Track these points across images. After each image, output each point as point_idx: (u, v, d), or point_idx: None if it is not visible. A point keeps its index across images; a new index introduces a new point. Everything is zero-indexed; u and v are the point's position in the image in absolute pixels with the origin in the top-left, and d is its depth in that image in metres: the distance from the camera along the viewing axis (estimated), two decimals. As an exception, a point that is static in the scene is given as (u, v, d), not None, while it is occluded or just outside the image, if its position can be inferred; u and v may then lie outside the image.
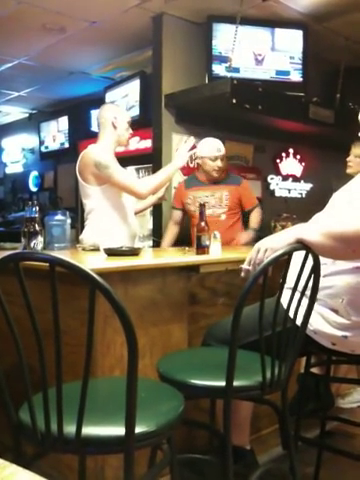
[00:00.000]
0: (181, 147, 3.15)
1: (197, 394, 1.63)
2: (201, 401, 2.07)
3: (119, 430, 1.15)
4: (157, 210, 4.33)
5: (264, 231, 3.73)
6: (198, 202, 3.57)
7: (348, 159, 3.53)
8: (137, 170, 5.82)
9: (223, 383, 1.46)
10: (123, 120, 2.99)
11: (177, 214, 3.87)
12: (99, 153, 2.87)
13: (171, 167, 3.06)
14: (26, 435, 1.23)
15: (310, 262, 1.52)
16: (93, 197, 2.92)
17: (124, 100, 5.64)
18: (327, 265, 1.67)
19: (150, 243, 4.64)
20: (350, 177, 1.85)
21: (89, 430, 1.15)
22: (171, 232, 3.88)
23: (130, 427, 1.14)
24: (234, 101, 3.95)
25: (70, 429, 1.14)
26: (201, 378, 1.54)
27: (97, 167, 2.81)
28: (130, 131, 3.04)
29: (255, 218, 3.77)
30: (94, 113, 6.72)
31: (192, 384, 1.51)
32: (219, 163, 3.62)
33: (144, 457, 1.56)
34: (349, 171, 3.61)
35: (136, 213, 3.21)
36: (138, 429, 1.16)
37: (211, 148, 3.62)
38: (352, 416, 2.57)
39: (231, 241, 3.57)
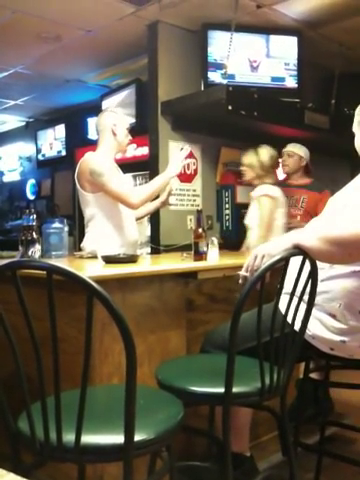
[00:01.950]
0: (176, 155, 3.15)
1: (196, 401, 1.62)
2: (200, 408, 2.06)
3: (118, 438, 1.14)
4: (155, 217, 4.33)
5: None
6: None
7: (241, 168, 3.80)
8: (134, 177, 5.83)
9: (222, 390, 1.46)
10: (122, 127, 3.00)
11: None
12: (95, 161, 2.88)
13: (165, 176, 3.05)
14: (25, 444, 1.22)
15: (307, 267, 1.53)
16: (91, 204, 2.92)
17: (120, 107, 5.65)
18: (324, 269, 1.67)
19: (148, 250, 4.64)
20: (345, 182, 1.86)
21: (88, 438, 1.15)
22: None
23: (129, 435, 1.14)
24: (230, 108, 3.96)
25: (69, 438, 1.14)
26: (200, 385, 1.54)
27: (91, 175, 2.82)
28: (129, 137, 3.05)
29: None
30: (91, 121, 6.73)
31: (191, 391, 1.51)
32: (284, 158, 3.97)
33: (143, 465, 1.56)
34: (244, 179, 3.87)
35: (138, 219, 3.21)
36: (137, 437, 1.16)
37: (288, 145, 3.98)
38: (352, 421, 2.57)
39: None
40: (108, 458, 1.20)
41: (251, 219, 3.65)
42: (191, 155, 4.63)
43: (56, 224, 2.49)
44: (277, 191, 3.59)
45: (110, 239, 2.87)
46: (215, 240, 2.39)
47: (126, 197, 2.84)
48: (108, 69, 5.56)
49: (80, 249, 2.98)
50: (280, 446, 1.70)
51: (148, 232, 4.73)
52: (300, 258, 1.52)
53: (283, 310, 1.55)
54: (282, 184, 3.96)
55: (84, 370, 1.13)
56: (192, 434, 2.14)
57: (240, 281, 1.67)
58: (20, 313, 1.14)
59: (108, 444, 1.16)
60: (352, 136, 1.89)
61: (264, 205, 3.52)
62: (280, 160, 3.97)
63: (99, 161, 2.88)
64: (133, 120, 5.24)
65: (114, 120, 2.99)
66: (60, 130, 7.31)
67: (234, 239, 4.38)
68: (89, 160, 2.90)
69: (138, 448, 1.17)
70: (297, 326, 1.58)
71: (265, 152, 3.67)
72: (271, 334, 1.50)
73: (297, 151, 3.95)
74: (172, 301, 2.10)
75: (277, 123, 4.44)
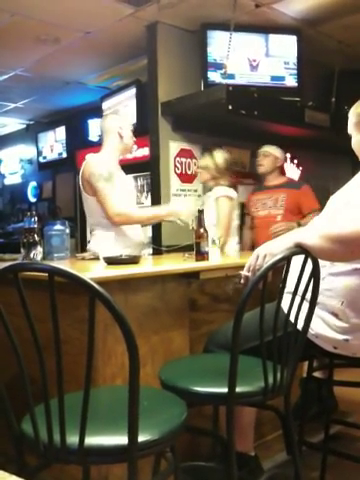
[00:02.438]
0: (183, 202, 3.05)
1: (200, 401, 1.62)
2: (204, 408, 2.06)
3: (122, 439, 1.14)
4: (156, 218, 4.33)
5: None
6: (259, 204, 3.89)
7: (197, 170, 3.94)
8: (135, 178, 5.83)
9: (225, 389, 1.46)
10: (128, 129, 3.03)
11: (248, 219, 4.09)
12: (96, 164, 2.88)
13: (156, 211, 3.04)
14: (29, 446, 1.22)
15: (309, 266, 1.52)
16: (93, 207, 2.92)
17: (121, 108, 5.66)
18: (326, 267, 1.67)
19: (150, 251, 4.63)
20: (346, 180, 1.85)
21: (92, 440, 1.15)
22: (247, 237, 4.05)
23: (133, 436, 1.14)
24: (230, 107, 3.97)
25: (73, 439, 1.14)
26: (203, 385, 1.54)
27: (90, 177, 2.83)
28: (134, 139, 3.08)
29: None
30: (91, 122, 6.74)
31: (194, 391, 1.51)
32: (259, 158, 3.91)
33: (148, 465, 1.56)
34: (200, 180, 4.01)
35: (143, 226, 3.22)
36: (141, 438, 1.16)
37: (264, 146, 3.92)
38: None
39: None
40: (112, 459, 1.20)
41: (208, 220, 3.63)
42: (192, 156, 4.65)
43: (58, 226, 2.49)
44: (234, 193, 3.73)
45: (116, 241, 2.85)
46: (217, 240, 2.39)
47: (108, 209, 2.81)
48: (108, 70, 5.57)
49: (83, 251, 2.98)
50: (285, 445, 1.70)
51: (150, 233, 4.73)
52: (302, 257, 1.52)
53: (285, 309, 1.55)
54: (262, 187, 4.01)
55: (87, 371, 1.13)
56: (196, 434, 2.14)
57: (242, 281, 1.67)
58: (23, 315, 1.14)
59: (112, 445, 1.16)
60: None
61: (223, 206, 3.62)
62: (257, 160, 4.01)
63: (99, 164, 2.88)
64: (134, 121, 5.25)
65: (120, 123, 3.02)
66: (61, 132, 7.31)
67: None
68: (90, 162, 2.91)
69: (142, 449, 1.17)
70: (300, 325, 1.58)
71: (220, 155, 3.77)
72: (274, 333, 1.50)
73: (272, 151, 3.89)
74: (175, 301, 2.10)
75: (277, 122, 4.45)
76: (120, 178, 2.99)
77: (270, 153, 3.88)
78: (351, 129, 1.88)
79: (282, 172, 4.16)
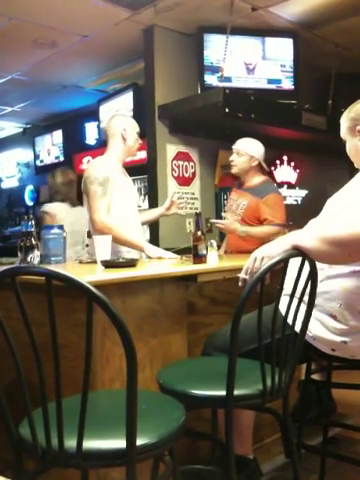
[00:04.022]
0: (162, 252, 2.83)
1: (198, 404, 1.62)
2: (203, 411, 2.06)
3: (120, 443, 1.14)
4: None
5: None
6: (229, 203, 3.54)
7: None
8: (132, 181, 5.83)
9: (224, 392, 1.46)
10: (132, 130, 3.00)
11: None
12: (95, 167, 2.89)
13: (138, 244, 2.84)
14: (27, 451, 1.22)
15: (307, 268, 1.53)
16: None
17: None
18: (324, 270, 1.67)
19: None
20: (343, 182, 1.86)
21: (90, 444, 1.14)
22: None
23: (131, 439, 1.13)
24: (227, 110, 3.97)
25: (71, 443, 1.14)
26: (202, 388, 1.54)
27: (86, 179, 2.85)
28: (139, 142, 3.05)
29: (263, 229, 3.27)
30: (88, 126, 6.74)
31: (193, 394, 1.50)
32: (232, 157, 3.44)
33: (146, 469, 1.55)
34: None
35: (143, 224, 3.21)
36: (139, 441, 1.15)
37: (237, 142, 3.47)
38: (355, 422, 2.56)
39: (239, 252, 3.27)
40: (111, 463, 1.20)
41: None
42: (189, 159, 4.65)
43: (55, 230, 2.48)
44: (55, 208, 3.91)
45: (115, 244, 2.85)
46: (214, 243, 2.39)
47: (93, 214, 2.78)
48: (105, 74, 5.58)
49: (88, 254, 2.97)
50: (283, 448, 1.70)
51: (147, 236, 4.74)
52: (299, 259, 1.52)
53: (283, 311, 1.55)
54: (238, 185, 3.58)
55: (85, 375, 1.12)
56: (195, 438, 2.13)
57: (240, 284, 1.68)
58: (20, 319, 1.14)
59: (110, 449, 1.16)
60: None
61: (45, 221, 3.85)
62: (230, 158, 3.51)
63: (99, 168, 2.87)
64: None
65: (124, 125, 2.99)
66: (58, 136, 7.32)
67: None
68: (91, 165, 2.95)
69: (141, 452, 1.16)
70: (298, 327, 1.58)
71: (58, 174, 4.01)
72: (272, 336, 1.50)
73: (247, 149, 3.38)
74: (173, 304, 2.10)
75: (274, 125, 4.46)
76: (122, 181, 2.97)
77: (245, 152, 3.38)
78: (344, 134, 1.88)
79: (262, 170, 3.52)
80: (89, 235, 2.96)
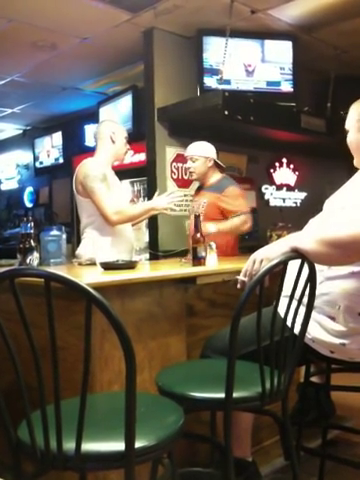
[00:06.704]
0: (167, 194, 3.12)
1: (197, 407, 1.62)
2: (201, 414, 2.06)
3: (119, 445, 1.14)
4: (153, 223, 4.33)
5: (259, 241, 3.69)
6: (193, 205, 3.54)
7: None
8: (132, 183, 5.84)
9: (223, 395, 1.45)
10: (121, 135, 3.07)
11: None
12: (91, 166, 2.93)
13: (147, 205, 3.08)
14: (25, 453, 1.22)
15: (306, 270, 1.53)
16: (87, 210, 2.94)
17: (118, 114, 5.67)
18: (323, 271, 1.67)
19: (147, 256, 4.63)
20: (342, 184, 1.86)
21: (89, 446, 1.14)
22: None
23: (130, 442, 1.13)
24: (226, 113, 3.98)
25: (70, 446, 1.13)
26: (200, 390, 1.53)
27: (85, 179, 2.86)
28: (127, 146, 3.12)
29: (232, 221, 3.35)
30: (88, 128, 6.75)
31: (192, 397, 1.50)
32: (188, 164, 3.48)
33: (145, 472, 1.55)
34: None
35: (134, 224, 3.21)
36: (138, 444, 1.15)
37: (189, 148, 3.51)
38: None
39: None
40: (109, 465, 1.20)
41: None
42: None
43: (54, 232, 2.49)
44: None
45: (109, 245, 2.86)
46: (213, 245, 2.40)
47: (106, 210, 2.84)
48: (104, 76, 5.59)
49: (75, 256, 2.98)
50: (282, 450, 1.70)
51: (146, 238, 4.73)
52: (298, 261, 1.52)
53: (282, 314, 1.55)
54: (199, 187, 3.62)
55: (84, 377, 1.12)
56: (194, 440, 2.13)
57: (239, 286, 1.67)
58: (19, 322, 1.14)
59: (109, 451, 1.16)
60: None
61: None
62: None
63: (94, 167, 2.92)
64: (130, 127, 5.27)
65: (113, 128, 3.07)
66: (57, 138, 7.33)
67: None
68: (85, 164, 2.95)
69: (139, 455, 1.16)
70: (297, 329, 1.58)
71: None
72: (271, 338, 1.50)
73: (200, 153, 3.42)
74: (172, 307, 2.10)
75: (273, 127, 4.47)
76: (114, 180, 3.04)
77: (199, 156, 3.41)
78: (350, 125, 1.85)
79: (219, 168, 3.55)
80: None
